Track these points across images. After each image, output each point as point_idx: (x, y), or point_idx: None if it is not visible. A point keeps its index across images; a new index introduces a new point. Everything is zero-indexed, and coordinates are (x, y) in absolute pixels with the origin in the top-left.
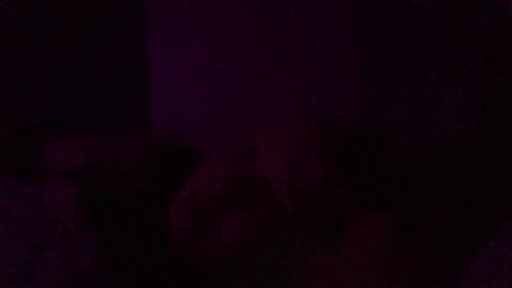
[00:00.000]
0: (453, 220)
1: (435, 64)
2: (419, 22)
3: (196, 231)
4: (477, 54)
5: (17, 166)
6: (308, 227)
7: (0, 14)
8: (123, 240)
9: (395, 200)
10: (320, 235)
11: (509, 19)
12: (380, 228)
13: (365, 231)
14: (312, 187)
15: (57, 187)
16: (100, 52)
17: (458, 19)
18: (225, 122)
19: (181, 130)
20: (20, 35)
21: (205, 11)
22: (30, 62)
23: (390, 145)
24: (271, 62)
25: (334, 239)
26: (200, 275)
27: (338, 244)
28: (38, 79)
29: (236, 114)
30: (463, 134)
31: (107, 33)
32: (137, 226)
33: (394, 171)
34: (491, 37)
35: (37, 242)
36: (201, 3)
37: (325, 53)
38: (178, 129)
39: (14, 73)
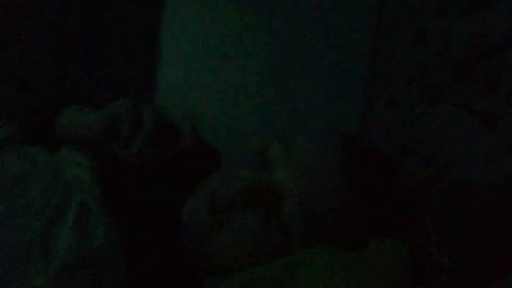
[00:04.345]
0: (470, 254)
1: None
2: (433, 56)
3: (209, 230)
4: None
5: (34, 134)
6: (316, 242)
7: None
8: (135, 221)
9: (412, 227)
10: (331, 255)
11: None
12: (397, 255)
13: (380, 258)
14: (325, 205)
15: (75, 157)
16: (114, 29)
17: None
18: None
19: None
20: (34, 12)
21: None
22: (46, 37)
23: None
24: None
25: (348, 262)
26: (206, 273)
27: (351, 267)
28: (53, 53)
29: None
30: (491, 178)
31: (122, 11)
32: (151, 207)
33: (414, 199)
34: None
35: (54, 212)
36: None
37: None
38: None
39: (30, 47)
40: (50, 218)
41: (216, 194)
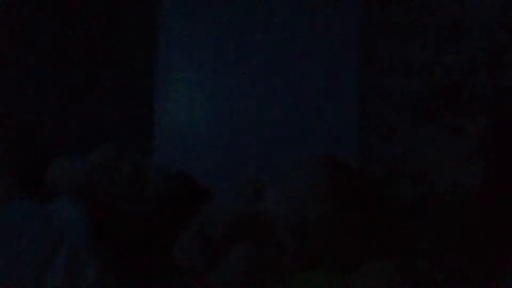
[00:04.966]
0: (457, 268)
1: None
2: (420, 80)
3: (202, 265)
4: (481, 110)
5: (25, 185)
6: (310, 267)
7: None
8: (126, 258)
9: (400, 244)
10: (323, 276)
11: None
12: (387, 276)
13: (371, 279)
14: (315, 228)
15: (64, 205)
16: (106, 74)
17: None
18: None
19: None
20: (27, 54)
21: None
22: (37, 84)
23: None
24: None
25: (339, 282)
26: None
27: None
28: (45, 102)
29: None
30: (467, 187)
31: (115, 54)
32: (141, 245)
33: (400, 217)
34: (495, 94)
35: (44, 258)
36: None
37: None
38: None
39: (22, 95)
40: (42, 262)
41: (206, 229)
